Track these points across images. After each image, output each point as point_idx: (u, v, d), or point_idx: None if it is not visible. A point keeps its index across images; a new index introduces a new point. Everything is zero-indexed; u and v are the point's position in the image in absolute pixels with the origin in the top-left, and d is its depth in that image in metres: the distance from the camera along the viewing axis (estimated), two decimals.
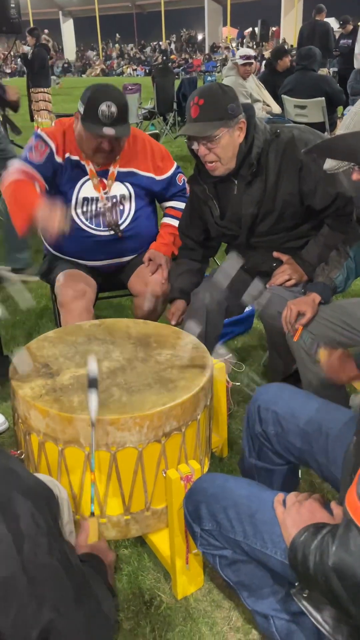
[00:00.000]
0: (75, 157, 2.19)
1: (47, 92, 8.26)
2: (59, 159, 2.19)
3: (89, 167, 2.20)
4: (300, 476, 1.62)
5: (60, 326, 2.24)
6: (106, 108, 1.98)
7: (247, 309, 2.44)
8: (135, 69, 27.67)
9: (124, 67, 29.65)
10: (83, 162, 2.20)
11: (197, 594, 1.56)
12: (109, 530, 1.55)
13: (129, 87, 8.44)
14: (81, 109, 2.05)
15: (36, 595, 0.72)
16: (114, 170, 2.22)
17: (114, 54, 34.11)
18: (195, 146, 1.92)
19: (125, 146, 2.21)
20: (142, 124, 8.79)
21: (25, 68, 8.68)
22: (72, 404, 1.48)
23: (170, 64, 15.32)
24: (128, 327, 1.91)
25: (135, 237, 2.31)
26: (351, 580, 0.80)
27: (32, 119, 8.26)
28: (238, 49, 11.00)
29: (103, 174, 2.22)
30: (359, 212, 1.87)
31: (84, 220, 2.23)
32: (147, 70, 21.42)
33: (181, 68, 20.39)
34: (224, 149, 1.89)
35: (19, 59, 14.14)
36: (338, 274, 1.87)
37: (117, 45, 36.38)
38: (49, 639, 0.73)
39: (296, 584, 1.00)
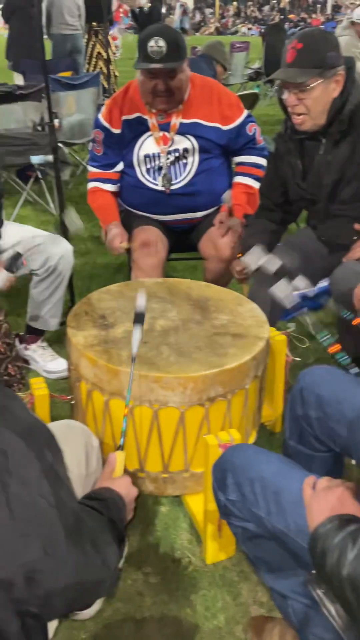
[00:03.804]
0: (135, 115, 2.16)
1: None
2: (116, 131, 2.19)
3: (152, 120, 2.15)
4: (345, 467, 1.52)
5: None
6: (154, 43, 1.93)
7: (320, 285, 2.30)
8: (251, 28, 26.59)
9: (239, 25, 28.61)
10: (145, 117, 2.15)
11: (226, 562, 1.54)
12: (146, 485, 1.57)
13: (237, 45, 8.12)
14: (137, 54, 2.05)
15: (20, 533, 0.73)
16: (176, 121, 2.14)
17: (230, 12, 33.02)
18: (285, 95, 1.80)
19: (190, 95, 2.13)
20: (247, 85, 8.48)
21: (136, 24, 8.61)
22: (121, 358, 1.48)
23: (287, 24, 14.56)
24: (190, 288, 1.88)
25: (204, 193, 2.23)
26: None
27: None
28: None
29: (165, 127, 2.15)
30: None
31: (146, 176, 2.20)
32: (262, 30, 20.54)
33: (298, 28, 19.34)
34: (315, 101, 1.76)
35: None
36: None
37: (234, 3, 35.14)
38: (34, 578, 0.74)
39: (313, 571, 0.94)
